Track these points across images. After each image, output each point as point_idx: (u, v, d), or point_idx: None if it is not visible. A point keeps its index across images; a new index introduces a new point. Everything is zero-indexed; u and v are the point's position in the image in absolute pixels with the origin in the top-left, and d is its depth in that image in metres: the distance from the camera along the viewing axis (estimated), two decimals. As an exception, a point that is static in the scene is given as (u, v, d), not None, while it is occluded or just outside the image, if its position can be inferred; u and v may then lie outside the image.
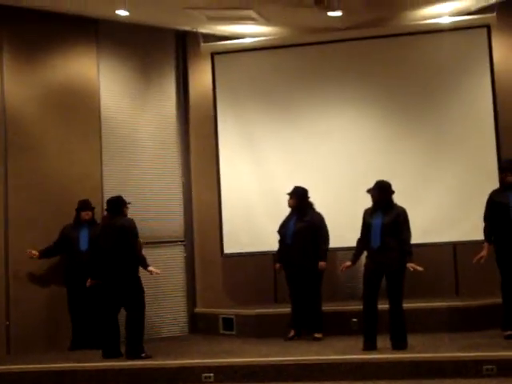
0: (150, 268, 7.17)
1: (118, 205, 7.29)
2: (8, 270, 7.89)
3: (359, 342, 6.90)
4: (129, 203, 7.35)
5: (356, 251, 7.11)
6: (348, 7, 8.21)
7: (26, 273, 7.94)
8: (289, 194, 7.91)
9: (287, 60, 9.14)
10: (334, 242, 8.09)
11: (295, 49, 9.11)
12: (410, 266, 6.71)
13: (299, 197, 7.88)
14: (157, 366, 6.73)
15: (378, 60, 8.93)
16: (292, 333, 7.80)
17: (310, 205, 7.91)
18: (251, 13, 8.35)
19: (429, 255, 8.08)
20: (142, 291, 7.14)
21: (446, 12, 8.62)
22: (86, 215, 8.00)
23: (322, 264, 7.72)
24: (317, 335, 7.70)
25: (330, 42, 9.01)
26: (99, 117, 8.62)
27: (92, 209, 8.07)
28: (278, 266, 8.02)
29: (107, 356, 7.06)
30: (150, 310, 8.43)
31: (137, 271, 7.13)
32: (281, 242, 7.96)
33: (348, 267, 7.12)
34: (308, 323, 7.80)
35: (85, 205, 8.02)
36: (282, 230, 7.93)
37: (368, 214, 7.00)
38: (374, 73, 8.92)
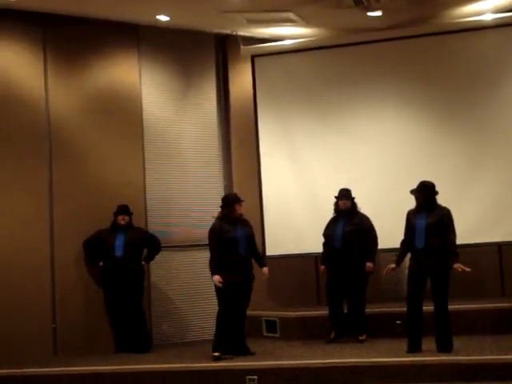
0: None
1: (231, 201, 7.35)
2: (54, 274, 8.02)
3: (403, 344, 6.83)
4: (242, 201, 7.33)
5: (400, 253, 7.05)
6: (388, 7, 8.15)
7: (72, 277, 8.06)
8: (338, 197, 7.87)
9: (327, 61, 9.11)
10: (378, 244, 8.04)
11: (335, 50, 9.07)
12: (458, 266, 6.62)
13: (352, 199, 7.86)
14: (200, 368, 6.76)
15: (418, 59, 8.84)
16: (333, 334, 7.78)
17: (357, 207, 7.90)
18: (290, 15, 8.34)
19: (473, 256, 7.97)
20: None
21: (489, 9, 8.48)
22: (121, 220, 8.06)
23: (369, 265, 7.69)
24: (361, 337, 7.67)
25: (370, 42, 8.94)
26: (141, 122, 8.71)
27: (129, 214, 8.12)
28: (322, 268, 7.98)
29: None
30: (191, 312, 8.53)
31: None
32: (326, 244, 7.92)
33: (393, 270, 7.05)
34: (352, 325, 7.77)
35: (122, 209, 8.08)
36: (328, 232, 7.89)
37: (412, 215, 6.93)
38: (415, 73, 8.83)
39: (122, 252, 7.93)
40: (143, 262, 8.08)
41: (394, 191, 8.40)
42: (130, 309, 7.92)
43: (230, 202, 7.31)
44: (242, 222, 7.37)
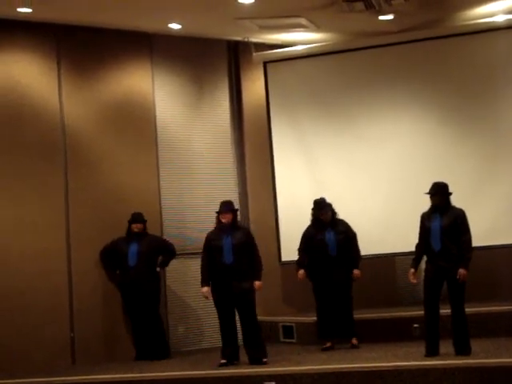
0: None
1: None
2: (71, 282, 8.05)
3: (421, 347, 6.80)
4: (224, 212, 7.25)
5: (416, 256, 7.02)
6: (399, 10, 8.15)
7: (89, 285, 8.09)
8: (321, 209, 7.83)
9: (339, 66, 9.12)
10: (392, 248, 8.03)
11: (347, 54, 9.07)
12: (461, 273, 6.61)
13: (332, 210, 7.85)
14: (218, 374, 6.76)
15: (431, 62, 8.83)
16: (328, 344, 7.75)
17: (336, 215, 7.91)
18: (302, 20, 8.36)
19: (490, 258, 7.95)
20: None
21: (500, 10, 8.46)
22: (135, 227, 8.08)
23: (357, 272, 7.73)
24: (354, 341, 7.67)
25: (382, 45, 8.94)
26: (155, 129, 8.75)
27: (142, 221, 8.13)
28: (302, 272, 7.85)
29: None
30: (208, 319, 8.53)
31: None
32: (312, 252, 7.85)
33: (415, 275, 6.96)
34: (343, 330, 7.75)
35: (135, 217, 8.10)
36: (313, 241, 7.84)
37: (426, 218, 6.90)
38: (428, 75, 8.82)
39: (135, 261, 7.94)
40: (158, 269, 8.08)
41: (409, 194, 8.38)
42: (147, 316, 7.92)
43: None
44: (236, 230, 7.23)
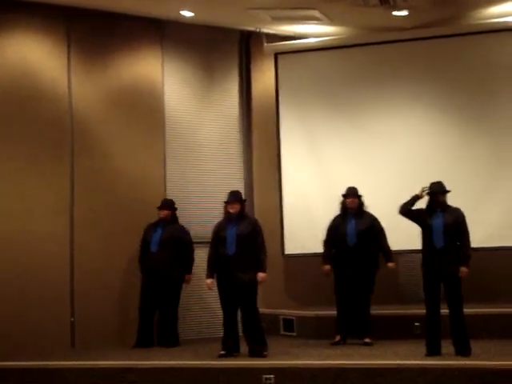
0: None
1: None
2: (73, 268, 8.06)
3: (422, 346, 6.78)
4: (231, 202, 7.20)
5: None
6: (414, 6, 8.11)
7: (91, 271, 8.07)
8: (347, 195, 7.80)
9: (351, 60, 9.09)
10: (396, 245, 7.99)
11: (359, 48, 9.04)
12: (463, 271, 6.62)
13: (359, 197, 7.80)
14: (217, 366, 6.73)
15: (443, 60, 8.79)
16: (338, 338, 7.70)
17: (364, 206, 7.84)
18: (315, 12, 8.31)
19: (493, 259, 7.91)
20: None
21: (516, 10, 8.42)
22: (160, 213, 8.10)
23: (391, 265, 7.67)
24: (367, 340, 7.60)
25: (395, 41, 8.91)
26: (163, 117, 8.72)
27: (169, 208, 8.11)
28: (328, 267, 7.79)
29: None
30: (209, 311, 8.51)
31: None
32: (336, 244, 7.79)
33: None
34: (358, 327, 7.70)
35: (161, 204, 8.13)
36: (339, 231, 7.78)
37: (425, 215, 6.88)
38: (440, 73, 8.78)
39: (156, 247, 7.94)
40: (186, 277, 8.06)
41: (414, 191, 8.32)
42: (163, 304, 7.92)
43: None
44: (242, 221, 7.18)
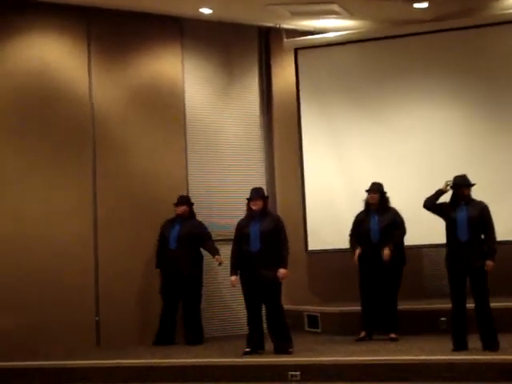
0: None
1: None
2: (98, 267, 8.08)
3: (448, 341, 6.72)
4: (253, 199, 7.21)
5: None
6: (434, -2, 8.05)
7: (115, 270, 8.10)
8: (369, 190, 7.77)
9: (371, 53, 9.02)
10: (418, 239, 7.94)
11: (379, 42, 8.97)
12: (489, 265, 6.56)
13: (382, 192, 7.75)
14: (242, 363, 6.73)
15: (464, 52, 8.71)
16: (363, 334, 7.66)
17: (388, 202, 7.79)
18: (335, 7, 8.26)
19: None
20: None
21: (538, -1, 8.32)
22: (177, 210, 8.09)
23: (387, 253, 7.52)
24: (393, 335, 7.54)
25: (416, 34, 8.82)
26: (184, 115, 8.71)
27: (186, 204, 8.10)
28: (358, 251, 7.65)
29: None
30: (233, 308, 8.50)
31: None
32: (360, 239, 7.74)
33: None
34: (383, 323, 7.65)
35: (178, 200, 8.11)
36: (362, 227, 7.73)
37: (449, 208, 6.83)
38: (461, 65, 8.70)
39: (175, 244, 7.95)
40: (215, 257, 7.99)
41: (438, 185, 8.24)
42: (184, 301, 7.94)
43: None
44: (265, 217, 7.16)
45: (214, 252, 8.02)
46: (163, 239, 8.06)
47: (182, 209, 8.08)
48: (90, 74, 8.26)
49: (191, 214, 8.19)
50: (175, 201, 8.14)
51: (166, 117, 8.59)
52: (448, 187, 6.88)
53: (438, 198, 6.93)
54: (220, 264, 7.98)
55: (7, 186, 7.76)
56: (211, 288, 8.56)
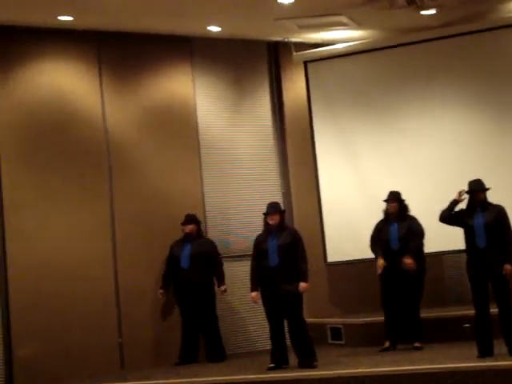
0: None
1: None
2: (118, 288, 8.10)
3: (473, 348, 6.67)
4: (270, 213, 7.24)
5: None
6: (441, 4, 8.02)
7: (136, 290, 8.11)
8: (387, 200, 7.76)
9: (381, 63, 9.01)
10: (439, 246, 7.90)
11: (388, 51, 8.95)
12: (507, 269, 6.51)
13: (400, 201, 7.73)
14: (267, 379, 6.71)
15: (474, 56, 8.67)
16: (387, 344, 7.61)
17: (407, 210, 7.78)
18: (342, 18, 8.27)
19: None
20: None
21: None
22: (185, 229, 8.09)
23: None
24: (417, 344, 7.49)
25: (424, 41, 8.79)
26: (197, 133, 8.74)
27: (194, 223, 8.12)
28: (381, 261, 7.56)
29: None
30: (256, 322, 8.48)
31: None
32: (382, 247, 7.72)
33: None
34: (407, 332, 7.60)
35: (186, 219, 8.11)
36: (382, 236, 7.72)
37: (466, 215, 6.79)
38: (471, 70, 8.67)
39: (187, 263, 7.95)
40: (222, 288, 8.02)
41: (454, 191, 8.21)
42: (202, 319, 7.95)
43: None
44: (283, 232, 7.17)
45: (221, 282, 8.04)
46: (173, 260, 8.06)
47: (190, 227, 8.09)
48: (103, 98, 8.31)
49: (199, 232, 8.20)
50: (189, 217, 8.16)
51: (179, 136, 8.62)
52: (462, 196, 6.84)
53: (453, 209, 6.89)
54: (224, 291, 8.02)
55: (24, 214, 7.78)
56: (232, 305, 8.55)
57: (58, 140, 8.03)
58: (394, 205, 7.72)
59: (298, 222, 8.97)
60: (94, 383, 7.11)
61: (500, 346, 6.57)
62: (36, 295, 7.67)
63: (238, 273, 8.43)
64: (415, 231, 7.67)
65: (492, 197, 6.85)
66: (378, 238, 7.77)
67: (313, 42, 9.12)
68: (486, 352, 6.57)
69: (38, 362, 7.53)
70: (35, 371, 7.46)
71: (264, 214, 7.25)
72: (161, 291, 8.05)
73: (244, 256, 8.17)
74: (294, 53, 9.04)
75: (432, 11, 8.17)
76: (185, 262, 7.96)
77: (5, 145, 7.82)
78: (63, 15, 7.66)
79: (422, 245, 7.71)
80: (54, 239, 7.86)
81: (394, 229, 7.66)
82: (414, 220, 7.72)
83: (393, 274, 7.58)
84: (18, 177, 7.84)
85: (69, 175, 8.03)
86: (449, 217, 6.89)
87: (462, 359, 6.55)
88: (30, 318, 7.61)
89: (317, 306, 8.76)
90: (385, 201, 7.78)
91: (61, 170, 8.00)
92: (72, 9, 7.52)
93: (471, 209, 6.80)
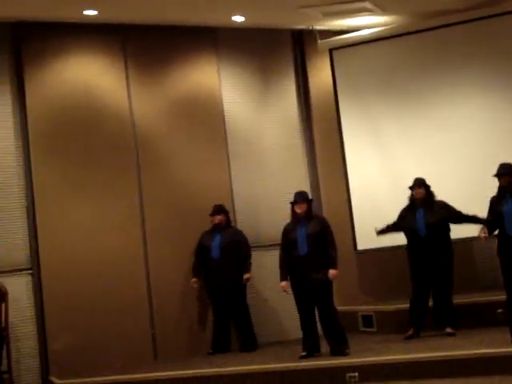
0: None
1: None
2: (149, 280, 8.14)
3: (507, 333, 6.61)
4: (298, 202, 7.25)
5: (488, 228, 6.74)
6: (466, -13, 7.95)
7: (167, 282, 8.16)
8: (413, 186, 7.71)
9: (407, 48, 8.94)
10: (469, 232, 7.84)
11: (414, 36, 8.87)
12: None
13: (426, 186, 7.69)
14: (300, 367, 6.73)
15: (501, 40, 8.53)
16: (411, 331, 7.57)
17: (433, 196, 7.74)
18: (367, 4, 8.21)
19: None
20: None
21: None
22: (214, 219, 8.12)
23: None
24: (449, 330, 7.45)
25: (449, 25, 8.68)
26: (224, 124, 8.75)
27: (222, 213, 8.13)
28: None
29: None
30: (286, 311, 8.48)
31: None
32: (407, 235, 7.74)
33: (485, 237, 6.67)
34: (439, 317, 7.57)
35: (214, 209, 8.13)
36: (408, 222, 7.69)
37: (496, 202, 6.74)
38: (498, 54, 8.54)
39: (218, 253, 7.98)
40: (245, 276, 8.00)
41: (485, 177, 8.14)
42: (234, 309, 7.99)
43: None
44: (311, 220, 7.17)
45: (246, 270, 8.02)
46: (203, 250, 8.09)
47: (219, 218, 8.11)
48: (129, 90, 8.34)
49: (228, 223, 8.22)
50: (218, 207, 8.18)
51: (206, 127, 8.64)
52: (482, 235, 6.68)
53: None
54: (247, 280, 8.01)
55: (55, 207, 7.85)
56: (262, 294, 8.56)
57: (86, 134, 8.07)
58: (421, 191, 7.67)
59: (327, 210, 8.96)
60: (128, 375, 7.16)
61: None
62: (69, 288, 7.74)
63: (266, 262, 8.44)
64: (451, 211, 7.64)
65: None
66: (404, 226, 7.73)
67: (337, 29, 9.07)
68: (519, 337, 6.53)
69: (73, 354, 7.60)
70: (69, 364, 7.54)
71: (291, 203, 7.24)
72: (194, 279, 8.08)
73: (273, 245, 8.15)
74: (319, 40, 9.00)
75: (457, -6, 8.09)
76: (216, 253, 7.98)
77: (35, 141, 7.88)
78: (88, 9, 7.70)
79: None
80: (85, 234, 7.91)
81: (421, 215, 7.62)
82: (445, 205, 7.67)
83: (422, 260, 7.56)
84: (49, 173, 7.90)
85: (97, 168, 8.06)
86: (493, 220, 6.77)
87: (496, 344, 6.52)
88: (63, 311, 7.69)
89: (348, 294, 8.75)
90: (410, 187, 7.73)
91: (89, 163, 8.03)
92: (97, 3, 7.56)
93: (500, 195, 6.75)
